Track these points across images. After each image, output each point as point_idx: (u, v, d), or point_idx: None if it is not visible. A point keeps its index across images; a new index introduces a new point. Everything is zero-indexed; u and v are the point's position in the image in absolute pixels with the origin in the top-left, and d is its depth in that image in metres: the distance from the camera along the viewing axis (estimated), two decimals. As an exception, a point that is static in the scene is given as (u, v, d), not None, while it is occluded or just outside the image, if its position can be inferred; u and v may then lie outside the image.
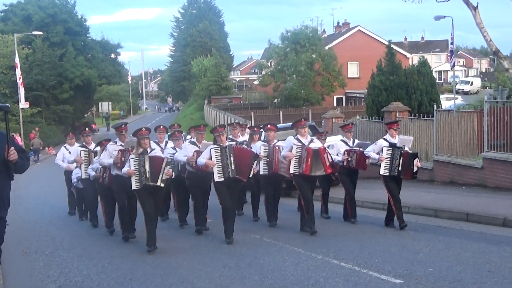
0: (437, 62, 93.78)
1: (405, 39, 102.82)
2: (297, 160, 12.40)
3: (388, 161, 12.74)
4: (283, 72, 53.44)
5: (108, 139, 14.46)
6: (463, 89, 69.66)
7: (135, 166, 10.99)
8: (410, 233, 11.90)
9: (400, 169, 12.67)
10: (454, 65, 45.25)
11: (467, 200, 14.71)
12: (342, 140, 14.28)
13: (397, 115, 21.79)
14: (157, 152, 11.88)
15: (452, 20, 37.96)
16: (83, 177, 14.85)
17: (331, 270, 9.14)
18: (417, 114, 21.85)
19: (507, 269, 8.83)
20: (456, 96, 45.66)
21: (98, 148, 14.61)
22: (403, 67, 33.77)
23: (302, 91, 51.84)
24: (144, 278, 9.50)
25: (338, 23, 71.98)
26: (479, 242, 10.77)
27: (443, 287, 8.01)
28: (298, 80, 52.21)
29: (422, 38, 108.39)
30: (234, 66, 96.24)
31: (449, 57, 47.09)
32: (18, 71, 40.60)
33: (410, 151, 13.06)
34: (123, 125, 13.41)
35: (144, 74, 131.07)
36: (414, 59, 59.84)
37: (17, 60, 40.72)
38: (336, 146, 13.99)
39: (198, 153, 12.66)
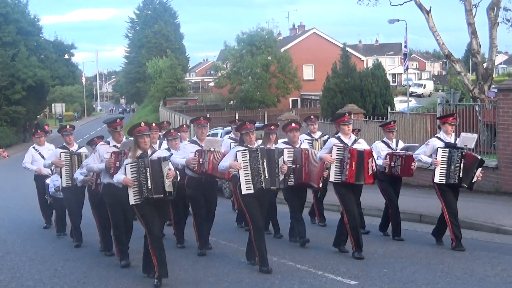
0: (391, 65, 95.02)
1: (360, 42, 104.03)
2: (339, 165, 10.08)
3: (445, 166, 10.53)
4: (239, 74, 53.50)
5: (101, 136, 12.30)
6: (416, 92, 70.53)
7: (133, 173, 8.70)
8: (364, 236, 11.97)
9: (461, 175, 10.47)
10: (407, 68, 45.75)
11: (420, 202, 14.90)
12: (382, 141, 12.03)
13: (352, 117, 21.92)
14: (160, 154, 9.31)
15: (406, 24, 38.33)
16: (64, 184, 12.18)
17: (286, 272, 9.19)
18: (371, 117, 22.09)
19: (459, 270, 9.04)
20: (410, 98, 46.17)
21: (82, 150, 12.60)
22: (357, 70, 34.16)
23: (258, 93, 51.99)
24: (98, 282, 9.40)
25: (294, 25, 72.36)
26: (432, 243, 10.93)
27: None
28: (253, 82, 52.33)
29: (377, 41, 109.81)
30: (189, 67, 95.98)
31: (402, 60, 47.59)
32: (-32, 72, 40.02)
33: (478, 156, 10.95)
34: (118, 120, 10.52)
35: (99, 75, 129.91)
36: (369, 62, 60.53)
37: (-33, 60, 40.12)
38: (376, 149, 11.56)
39: (201, 153, 10.67)
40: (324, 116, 27.99)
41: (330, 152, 10.27)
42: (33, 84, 50.14)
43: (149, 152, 9.10)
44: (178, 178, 9.23)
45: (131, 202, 8.75)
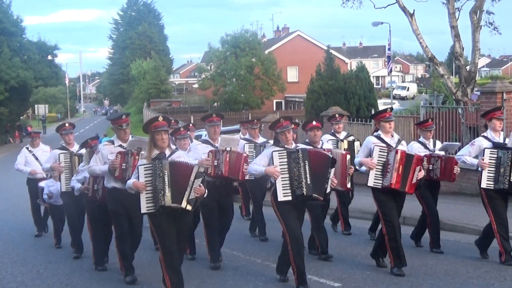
0: (374, 67, 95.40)
1: (344, 44, 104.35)
2: (381, 168, 8.79)
3: (493, 169, 9.26)
4: (223, 76, 53.59)
5: (95, 137, 11.26)
6: (400, 94, 71.02)
7: (147, 176, 7.44)
8: (348, 237, 11.98)
9: (511, 180, 9.19)
10: (391, 71, 46.14)
11: (404, 204, 14.92)
12: (419, 142, 10.55)
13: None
14: (180, 155, 8.08)
15: (390, 27, 38.78)
16: (63, 189, 10.91)
17: (270, 274, 9.10)
18: (355, 119, 22.17)
19: (442, 271, 9.07)
20: (393, 101, 46.44)
21: (83, 151, 10.77)
22: (341, 72, 34.33)
23: (242, 95, 52.10)
24: (81, 284, 9.34)
25: (278, 27, 72.66)
26: (412, 245, 10.93)
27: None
28: (237, 84, 52.44)
29: (361, 43, 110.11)
30: (173, 69, 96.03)
31: (386, 63, 47.86)
32: (-50, 72, 39.81)
33: None
34: (124, 116, 9.32)
35: (82, 76, 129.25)
36: (353, 64, 60.63)
37: (-51, 61, 39.90)
38: (412, 150, 9.74)
39: (215, 153, 9.56)
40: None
41: (369, 153, 9.01)
42: (16, 85, 49.90)
43: (167, 152, 7.85)
44: (205, 194, 7.75)
45: (143, 210, 7.48)
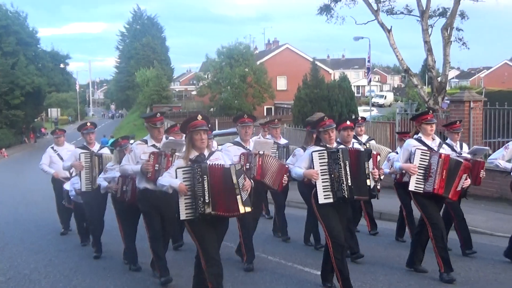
0: (355, 77, 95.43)
1: (328, 56, 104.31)
2: (423, 172, 7.74)
3: None
4: (219, 84, 53.58)
5: (127, 136, 10.00)
6: (378, 102, 70.99)
7: (185, 181, 6.34)
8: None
9: None
10: (370, 81, 46.13)
11: (381, 201, 14.91)
12: (446, 143, 9.22)
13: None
14: (219, 157, 6.85)
15: (369, 41, 38.72)
16: (83, 189, 9.95)
17: (259, 264, 9.06)
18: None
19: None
20: (372, 108, 46.54)
21: (104, 150, 10.36)
22: (325, 82, 34.20)
23: (236, 101, 52.01)
24: (89, 270, 9.31)
25: (269, 40, 72.67)
26: (390, 237, 10.93)
27: (357, 277, 8.01)
28: (232, 91, 52.37)
29: (343, 56, 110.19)
30: (174, 77, 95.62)
31: (366, 74, 47.89)
32: (-29, 78, 39.69)
33: None
34: (158, 115, 8.28)
35: (91, 83, 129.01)
36: (336, 74, 60.70)
37: (-30, 68, 39.77)
38: None
39: (247, 156, 8.68)
40: (295, 123, 28.05)
41: (409, 156, 8.00)
42: (31, 91, 49.81)
43: (206, 153, 6.70)
44: (252, 186, 6.70)
45: (182, 217, 6.35)
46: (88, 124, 10.35)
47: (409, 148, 7.98)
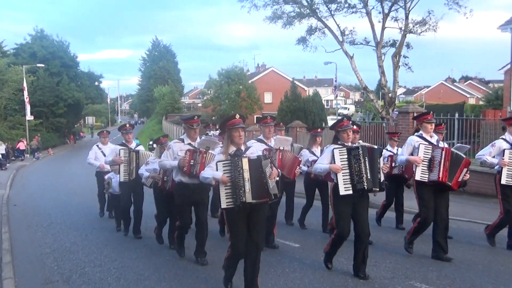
0: (325, 93, 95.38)
1: (304, 77, 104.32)
2: (427, 163, 7.25)
3: None
4: (219, 98, 53.66)
5: (166, 134, 9.75)
6: (343, 113, 70.87)
7: (226, 173, 5.74)
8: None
9: None
10: (336, 96, 46.30)
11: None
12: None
13: (297, 130, 22.03)
14: (254, 151, 6.21)
15: (336, 65, 38.91)
16: (121, 179, 9.65)
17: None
18: (311, 130, 22.22)
19: (390, 244, 8.91)
20: (338, 117, 46.74)
21: (140, 148, 10.04)
22: (302, 97, 34.35)
23: (232, 112, 52.01)
24: (118, 243, 9.31)
25: (258, 64, 72.69)
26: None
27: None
28: (229, 104, 52.42)
29: (316, 76, 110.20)
30: (184, 93, 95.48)
31: (333, 91, 47.90)
32: (25, 93, 39.84)
33: None
34: (196, 117, 7.55)
35: (119, 97, 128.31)
36: (310, 91, 60.74)
37: (24, 85, 39.92)
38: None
39: (269, 151, 8.06)
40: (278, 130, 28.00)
41: (412, 150, 7.47)
42: (72, 103, 49.76)
43: (242, 148, 6.09)
44: (278, 176, 6.06)
45: (223, 205, 5.75)
46: (127, 125, 9.95)
47: (413, 143, 7.47)
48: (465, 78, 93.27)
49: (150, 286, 6.65)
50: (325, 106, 52.67)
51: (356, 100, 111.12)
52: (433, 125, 7.55)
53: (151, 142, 12.55)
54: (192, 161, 7.21)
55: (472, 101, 65.29)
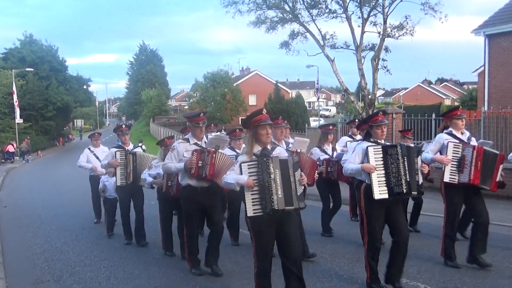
0: (307, 96, 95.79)
1: (287, 79, 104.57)
2: (456, 164, 6.39)
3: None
4: (205, 101, 53.60)
5: (172, 136, 8.70)
6: (324, 114, 71.36)
7: (251, 175, 4.80)
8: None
9: None
10: (318, 98, 46.47)
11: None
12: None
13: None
14: (281, 151, 5.26)
15: (318, 68, 39.00)
16: (118, 183, 8.72)
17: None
18: (294, 130, 22.30)
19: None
20: (320, 118, 46.88)
21: (138, 150, 9.07)
22: (285, 99, 34.43)
23: (218, 114, 52.04)
24: (107, 243, 9.23)
25: (243, 68, 72.98)
26: (345, 216, 10.84)
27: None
28: (215, 106, 52.40)
29: (298, 79, 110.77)
30: (171, 95, 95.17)
31: (315, 93, 48.08)
32: (15, 97, 39.44)
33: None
34: (201, 114, 6.58)
35: (107, 100, 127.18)
36: (293, 93, 60.89)
37: (14, 89, 39.57)
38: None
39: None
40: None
41: (440, 149, 6.60)
42: (61, 106, 49.32)
43: (269, 147, 5.10)
44: (306, 182, 5.13)
45: (249, 213, 4.76)
46: (123, 126, 9.14)
47: (441, 141, 6.59)
48: (441, 80, 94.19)
49: (140, 284, 6.59)
50: (308, 108, 52.89)
51: (337, 101, 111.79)
52: (464, 120, 6.68)
53: (140, 144, 12.08)
54: (200, 162, 6.27)
55: (448, 102, 65.99)
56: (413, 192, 5.48)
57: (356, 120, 10.44)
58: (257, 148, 5.03)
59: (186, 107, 68.56)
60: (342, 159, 7.49)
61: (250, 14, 27.49)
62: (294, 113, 31.91)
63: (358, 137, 9.72)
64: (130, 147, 9.07)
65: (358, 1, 25.20)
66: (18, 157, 37.83)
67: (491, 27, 20.81)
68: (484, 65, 21.53)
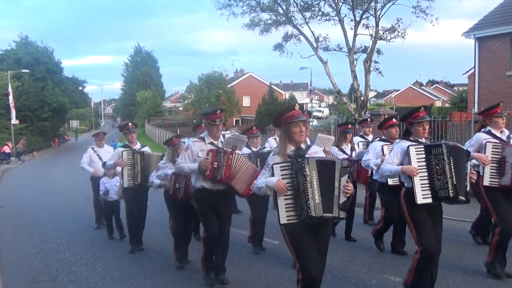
0: (301, 97, 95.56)
1: (280, 81, 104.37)
2: (496, 165, 5.76)
3: None
4: (199, 102, 53.55)
5: (180, 135, 8.14)
6: (317, 115, 71.39)
7: (285, 178, 4.19)
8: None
9: None
10: (311, 99, 46.49)
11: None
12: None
13: (275, 132, 22.00)
14: (317, 151, 4.57)
15: (311, 70, 39.06)
16: (125, 185, 8.07)
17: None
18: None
19: (364, 239, 8.69)
20: (313, 119, 46.99)
21: (145, 149, 8.37)
22: (279, 100, 34.47)
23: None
24: (103, 243, 9.20)
25: (237, 69, 73.11)
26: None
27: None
28: (209, 107, 52.31)
29: (292, 81, 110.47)
30: (166, 97, 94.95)
31: (308, 94, 48.14)
32: (10, 98, 39.15)
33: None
34: (218, 111, 6.06)
35: (103, 101, 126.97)
36: (286, 95, 61.08)
37: (10, 90, 39.28)
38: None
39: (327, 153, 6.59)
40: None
41: (479, 149, 5.97)
42: (56, 107, 49.07)
43: (303, 146, 4.43)
44: (352, 192, 4.30)
45: (283, 220, 4.13)
46: (130, 124, 8.40)
47: (479, 141, 5.99)
48: (431, 82, 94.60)
49: (135, 283, 6.57)
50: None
51: (330, 103, 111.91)
52: (504, 118, 6.06)
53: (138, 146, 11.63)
54: (216, 163, 5.72)
55: (438, 103, 66.28)
56: (460, 197, 4.76)
57: (368, 120, 9.91)
58: (290, 148, 4.39)
59: (181, 108, 68.47)
60: (363, 159, 7.21)
61: (244, 17, 27.61)
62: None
63: (370, 137, 9.44)
64: (137, 146, 8.39)
65: (351, 4, 25.29)
66: (14, 158, 37.65)
67: (481, 30, 20.93)
68: (474, 67, 21.65)
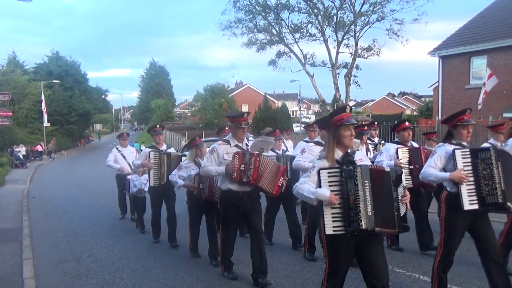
0: (291, 106, 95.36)
1: (274, 92, 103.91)
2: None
3: None
4: (205, 109, 53.59)
5: (198, 136, 7.37)
6: (305, 121, 71.46)
7: (332, 185, 3.29)
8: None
9: None
10: (300, 108, 46.52)
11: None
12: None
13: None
14: (363, 158, 3.64)
15: (300, 82, 39.09)
16: (151, 184, 7.53)
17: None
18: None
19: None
20: (302, 124, 47.09)
21: (171, 150, 7.80)
22: (272, 108, 34.42)
23: (215, 120, 51.97)
24: (121, 228, 9.16)
25: (237, 81, 73.31)
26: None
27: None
28: (213, 114, 52.36)
29: (283, 91, 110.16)
30: (176, 104, 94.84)
31: (298, 103, 48.12)
32: (43, 104, 39.24)
33: None
34: (245, 115, 5.27)
35: (122, 108, 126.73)
36: (279, 103, 61.06)
37: (42, 97, 39.36)
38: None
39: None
40: (254, 134, 28.11)
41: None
42: (82, 112, 49.17)
43: (349, 151, 3.60)
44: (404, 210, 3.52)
45: (329, 231, 3.31)
46: (157, 126, 7.84)
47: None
48: (402, 93, 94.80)
49: (148, 264, 6.57)
50: (291, 116, 53.07)
51: (316, 111, 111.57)
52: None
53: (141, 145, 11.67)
54: (243, 166, 5.05)
55: (408, 112, 66.35)
56: (508, 204, 3.96)
57: (376, 123, 8.90)
58: (338, 153, 3.54)
59: (189, 114, 68.42)
60: (376, 160, 6.29)
61: (243, 37, 27.84)
62: (280, 120, 31.97)
63: (376, 139, 8.59)
64: (163, 147, 7.79)
65: (334, 27, 25.39)
66: (45, 156, 37.59)
67: (444, 50, 21.05)
68: (438, 81, 21.75)
